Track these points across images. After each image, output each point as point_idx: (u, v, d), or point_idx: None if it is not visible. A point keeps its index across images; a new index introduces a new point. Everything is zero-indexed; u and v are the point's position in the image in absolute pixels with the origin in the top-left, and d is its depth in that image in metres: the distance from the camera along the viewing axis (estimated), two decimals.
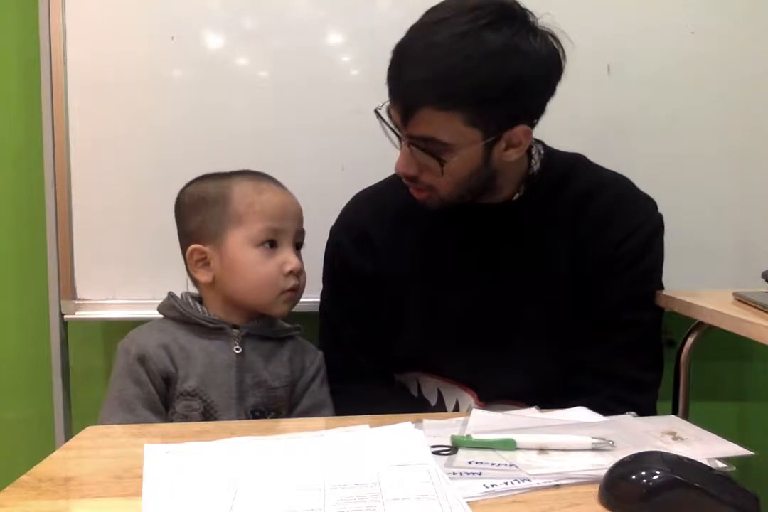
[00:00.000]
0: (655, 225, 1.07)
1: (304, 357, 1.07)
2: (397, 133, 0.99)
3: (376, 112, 0.99)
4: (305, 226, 1.06)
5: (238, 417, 0.97)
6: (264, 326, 1.04)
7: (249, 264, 1.00)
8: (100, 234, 1.42)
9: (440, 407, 1.12)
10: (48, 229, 1.41)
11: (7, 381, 1.55)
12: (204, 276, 1.02)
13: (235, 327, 1.02)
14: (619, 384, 1.02)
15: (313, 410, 1.05)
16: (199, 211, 1.02)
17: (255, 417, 0.99)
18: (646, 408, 0.97)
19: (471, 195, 1.03)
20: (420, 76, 0.91)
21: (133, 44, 1.39)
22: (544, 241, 1.07)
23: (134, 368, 0.96)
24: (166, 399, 0.97)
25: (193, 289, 1.08)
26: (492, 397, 1.06)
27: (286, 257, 1.01)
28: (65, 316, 1.43)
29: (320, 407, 1.06)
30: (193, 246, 1.02)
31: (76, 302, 1.42)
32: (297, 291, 1.03)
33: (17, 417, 1.56)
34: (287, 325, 1.08)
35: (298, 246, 1.05)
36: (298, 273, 1.03)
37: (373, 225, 1.14)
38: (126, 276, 1.42)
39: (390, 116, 0.98)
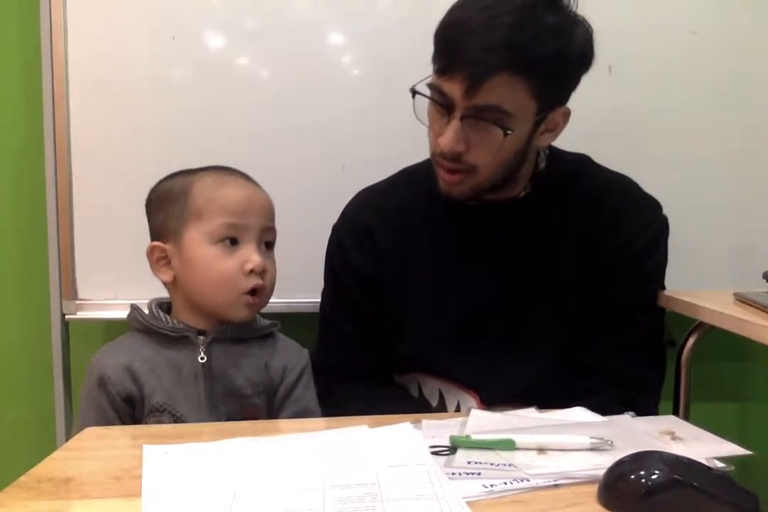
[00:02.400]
0: (662, 226, 1.08)
1: (285, 358, 0.99)
2: (447, 107, 0.94)
3: (412, 90, 0.97)
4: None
5: None
6: (234, 328, 0.96)
7: (206, 262, 0.93)
8: (101, 234, 1.42)
9: (441, 408, 1.11)
10: (49, 228, 1.41)
11: (8, 381, 1.55)
12: (165, 275, 0.97)
13: (201, 333, 0.95)
14: (622, 386, 1.02)
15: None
16: (162, 208, 0.98)
17: None
18: (649, 410, 0.97)
19: (501, 181, 1.02)
20: (497, 41, 0.89)
21: (133, 44, 1.39)
22: (550, 240, 1.07)
23: (93, 392, 0.93)
24: (134, 418, 0.93)
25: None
26: (495, 399, 1.05)
27: (248, 255, 0.93)
28: (66, 316, 1.43)
29: (304, 416, 0.98)
30: (153, 243, 0.97)
31: (78, 302, 1.43)
32: (260, 294, 0.95)
33: (18, 417, 1.56)
34: (263, 323, 1.00)
35: (268, 245, 0.98)
36: (262, 273, 0.94)
37: (375, 223, 1.13)
38: (127, 276, 1.41)
39: (437, 91, 0.95)
